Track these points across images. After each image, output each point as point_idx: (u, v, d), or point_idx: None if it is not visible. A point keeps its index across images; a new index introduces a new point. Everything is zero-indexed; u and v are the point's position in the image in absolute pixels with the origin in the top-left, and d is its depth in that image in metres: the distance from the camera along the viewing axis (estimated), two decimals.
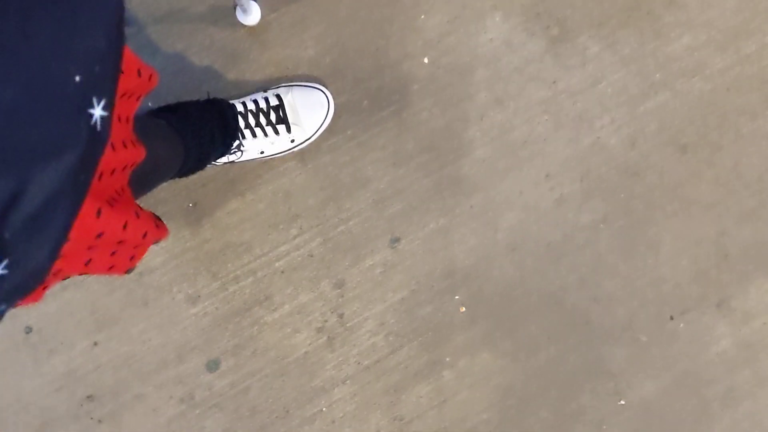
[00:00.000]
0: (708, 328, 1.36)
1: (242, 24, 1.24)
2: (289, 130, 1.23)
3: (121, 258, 0.72)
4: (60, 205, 0.44)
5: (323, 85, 1.26)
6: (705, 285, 1.35)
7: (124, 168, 0.69)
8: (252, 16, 1.22)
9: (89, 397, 1.28)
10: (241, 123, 1.20)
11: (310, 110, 1.24)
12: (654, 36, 1.32)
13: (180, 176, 1.09)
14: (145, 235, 0.74)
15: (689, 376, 1.36)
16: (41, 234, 0.44)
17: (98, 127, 0.46)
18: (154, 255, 1.28)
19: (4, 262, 0.43)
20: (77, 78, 0.43)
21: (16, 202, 0.41)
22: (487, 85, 1.31)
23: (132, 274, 1.27)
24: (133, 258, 0.77)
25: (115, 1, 0.48)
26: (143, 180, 0.81)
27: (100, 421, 1.28)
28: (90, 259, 0.66)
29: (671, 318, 1.35)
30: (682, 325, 1.35)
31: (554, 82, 1.31)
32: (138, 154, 0.71)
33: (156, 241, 0.79)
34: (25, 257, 0.44)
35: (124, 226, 0.67)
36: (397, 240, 1.32)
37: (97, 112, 0.46)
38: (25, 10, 0.40)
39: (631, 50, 1.32)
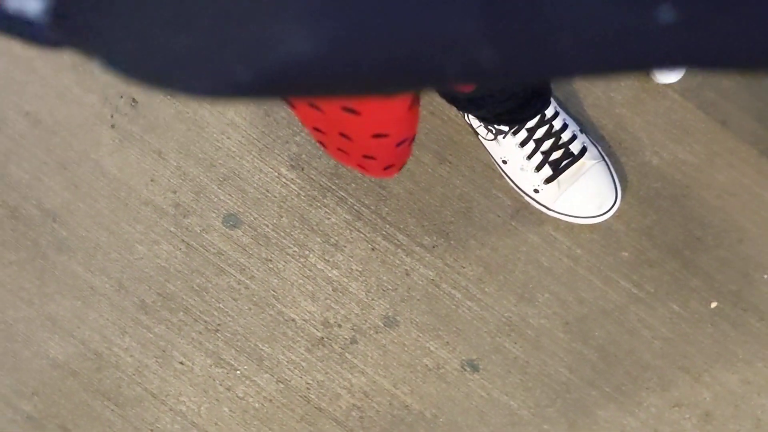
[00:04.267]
0: None
1: (657, 79, 0.96)
2: (550, 179, 0.93)
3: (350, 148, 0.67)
4: None
5: (621, 190, 0.95)
6: None
7: None
8: (675, 73, 0.93)
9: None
10: (532, 122, 0.91)
11: (586, 191, 0.94)
12: None
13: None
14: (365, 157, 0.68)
15: None
16: None
17: None
18: None
19: None
20: None
21: None
22: None
23: None
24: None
25: None
26: None
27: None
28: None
29: None
30: None
31: None
32: None
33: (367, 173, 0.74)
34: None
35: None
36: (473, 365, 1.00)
37: None
38: None
39: None
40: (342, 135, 0.63)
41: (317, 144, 0.73)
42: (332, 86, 0.27)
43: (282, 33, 0.24)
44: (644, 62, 0.26)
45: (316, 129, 0.65)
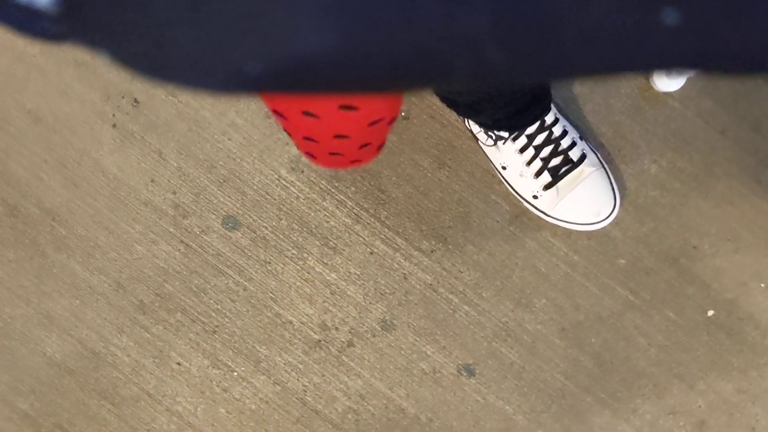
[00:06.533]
0: None
1: (657, 87, 0.96)
2: (549, 186, 0.94)
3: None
4: None
5: (619, 197, 0.96)
6: None
7: None
8: (675, 81, 0.93)
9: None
10: (531, 128, 0.92)
11: (584, 198, 0.94)
12: None
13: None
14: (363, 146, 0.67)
15: None
16: None
17: None
18: None
19: None
20: None
21: None
22: None
23: None
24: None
25: None
26: None
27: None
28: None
29: None
30: None
31: None
32: None
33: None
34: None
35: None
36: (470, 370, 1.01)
37: None
38: None
39: None
40: (337, 136, 0.63)
41: (305, 156, 0.72)
42: (342, 82, 0.27)
43: (294, 27, 0.24)
44: (648, 63, 0.26)
45: (308, 138, 0.65)
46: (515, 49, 0.24)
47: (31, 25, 0.28)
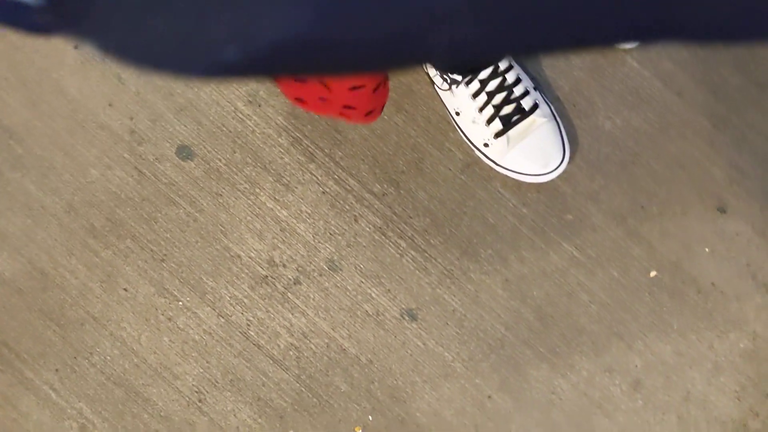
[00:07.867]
0: None
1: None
2: (500, 134, 0.94)
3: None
4: None
5: (570, 150, 0.96)
6: None
7: None
8: None
9: None
10: (485, 74, 0.92)
11: (533, 148, 0.94)
12: None
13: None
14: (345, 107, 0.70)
15: None
16: None
17: None
18: None
19: None
20: None
21: None
22: None
23: None
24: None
25: None
26: None
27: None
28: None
29: None
30: None
31: None
32: None
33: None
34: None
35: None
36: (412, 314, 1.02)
37: None
38: None
39: None
40: (322, 83, 0.64)
41: (294, 102, 0.73)
42: (321, 65, 0.27)
43: (272, 13, 0.24)
44: (620, 35, 0.26)
45: (298, 79, 0.66)
46: (492, 25, 0.24)
47: (21, 19, 0.28)
